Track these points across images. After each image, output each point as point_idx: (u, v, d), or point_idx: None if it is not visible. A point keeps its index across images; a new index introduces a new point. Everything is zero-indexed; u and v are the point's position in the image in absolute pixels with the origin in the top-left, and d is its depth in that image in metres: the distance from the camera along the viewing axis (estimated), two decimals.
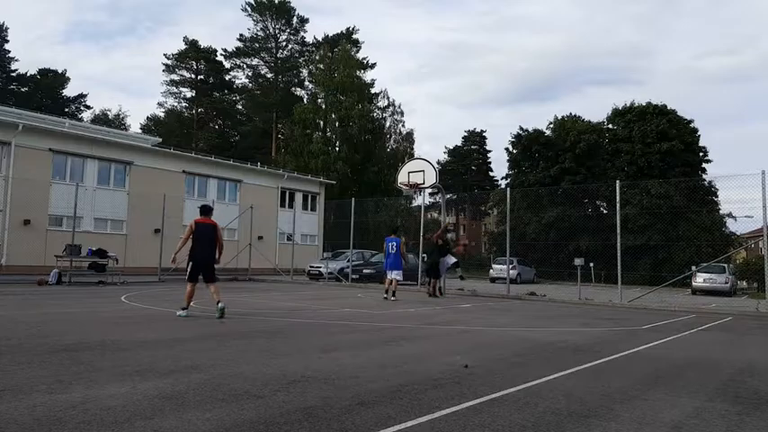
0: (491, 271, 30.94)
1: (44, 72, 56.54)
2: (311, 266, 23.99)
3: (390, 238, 14.48)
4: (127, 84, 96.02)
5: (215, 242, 8.83)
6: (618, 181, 16.11)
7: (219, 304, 8.48)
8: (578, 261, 16.67)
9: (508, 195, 21.64)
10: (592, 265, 26.68)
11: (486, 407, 3.78)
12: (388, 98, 50.37)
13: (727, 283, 23.29)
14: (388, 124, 49.78)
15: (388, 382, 4.42)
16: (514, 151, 42.76)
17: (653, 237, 31.16)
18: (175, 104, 60.93)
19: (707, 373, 5.41)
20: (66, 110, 54.20)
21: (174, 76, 59.09)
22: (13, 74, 55.16)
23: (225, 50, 58.95)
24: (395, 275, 13.90)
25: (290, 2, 57.03)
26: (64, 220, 21.74)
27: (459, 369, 5.02)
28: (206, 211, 9.06)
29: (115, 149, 24.97)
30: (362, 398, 3.88)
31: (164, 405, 3.53)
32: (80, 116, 56.12)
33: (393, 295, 13.62)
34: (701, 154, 38.90)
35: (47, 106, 47.55)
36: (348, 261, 22.20)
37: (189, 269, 8.75)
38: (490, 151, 69.79)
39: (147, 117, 62.38)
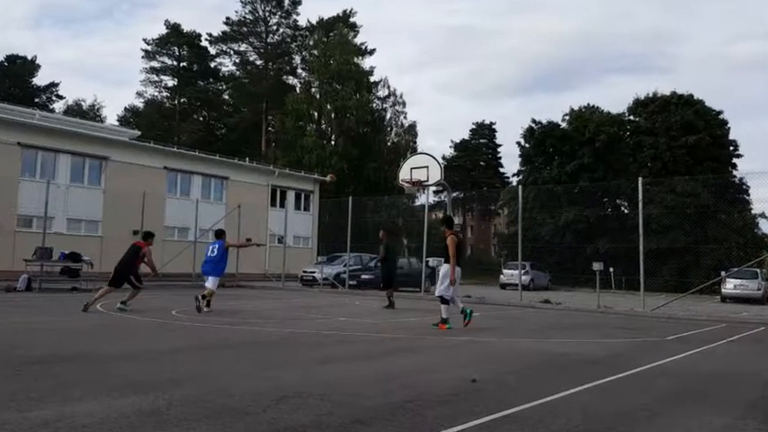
0: (501, 276, 30.91)
1: (12, 59, 56.55)
2: (305, 271, 24.00)
3: (213, 242, 12.43)
4: (102, 72, 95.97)
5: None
6: (640, 178, 16.12)
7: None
8: (597, 266, 16.68)
9: (520, 194, 21.66)
10: (612, 270, 26.71)
11: (497, 425, 3.79)
12: (388, 87, 50.47)
13: (759, 289, 23.26)
14: (388, 116, 49.87)
15: (388, 397, 4.43)
16: (527, 145, 42.74)
17: (678, 239, 31.12)
18: (156, 94, 60.95)
19: (737, 388, 5.42)
20: (37, 100, 54.21)
21: (155, 64, 59.10)
22: None
23: (210, 35, 58.98)
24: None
25: None
26: (34, 220, 21.74)
27: (467, 384, 5.03)
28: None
29: (90, 143, 24.97)
30: (360, 415, 3.89)
31: (143, 423, 3.54)
32: (51, 107, 56.13)
33: (207, 305, 11.17)
34: (731, 148, 38.87)
35: (15, 96, 47.54)
36: (345, 266, 22.22)
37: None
38: (500, 145, 69.71)
39: (125, 108, 62.36)
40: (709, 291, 22.60)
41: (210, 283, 11.51)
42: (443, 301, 9.54)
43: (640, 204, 15.61)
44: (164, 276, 21.34)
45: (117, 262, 11.49)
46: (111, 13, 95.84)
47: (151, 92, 60.69)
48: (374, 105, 48.81)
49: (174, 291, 17.80)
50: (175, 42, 58.35)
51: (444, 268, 9.69)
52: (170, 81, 60.28)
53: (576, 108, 42.17)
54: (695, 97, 38.25)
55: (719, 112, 38.42)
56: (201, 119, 62.65)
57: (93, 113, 60.25)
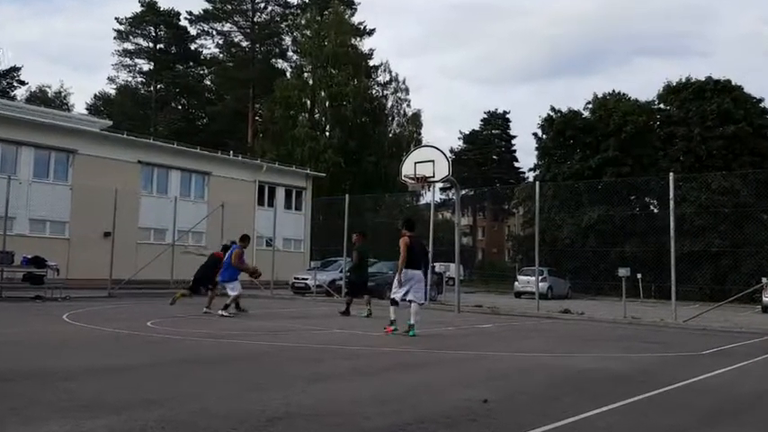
0: (516, 284, 30.96)
1: None
2: (296, 278, 24.03)
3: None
4: (69, 54, 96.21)
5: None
6: (672, 173, 16.13)
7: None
8: (623, 271, 16.69)
9: (537, 191, 21.63)
10: (639, 276, 26.67)
11: None
12: (389, 72, 50.51)
13: None
14: (389, 104, 49.90)
15: (389, 419, 4.44)
16: (545, 137, 42.76)
17: (714, 241, 31.12)
18: (129, 80, 61.11)
19: None
20: None
21: (128, 45, 59.26)
22: None
23: (190, 14, 59.08)
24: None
25: None
26: None
27: (477, 404, 5.04)
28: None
29: (55, 135, 25.00)
30: None
31: None
32: (12, 94, 56.20)
33: (224, 308, 13.06)
34: None
35: None
36: (341, 271, 22.21)
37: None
38: (515, 137, 69.96)
39: (95, 95, 62.64)
40: (748, 299, 22.57)
41: (229, 290, 13.33)
42: (392, 302, 10.57)
43: (671, 203, 15.61)
44: (138, 283, 21.39)
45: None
46: None
47: (124, 77, 60.90)
48: (374, 92, 48.86)
49: (150, 299, 17.82)
50: (151, 22, 58.44)
51: (407, 274, 10.53)
52: (145, 65, 60.44)
53: (599, 95, 42.17)
54: (733, 83, 38.28)
55: (760, 100, 38.45)
56: (180, 107, 62.70)
57: (59, 101, 60.38)
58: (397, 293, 10.44)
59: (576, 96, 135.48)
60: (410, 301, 10.30)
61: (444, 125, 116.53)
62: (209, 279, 13.94)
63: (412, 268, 10.59)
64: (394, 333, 10.15)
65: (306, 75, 49.37)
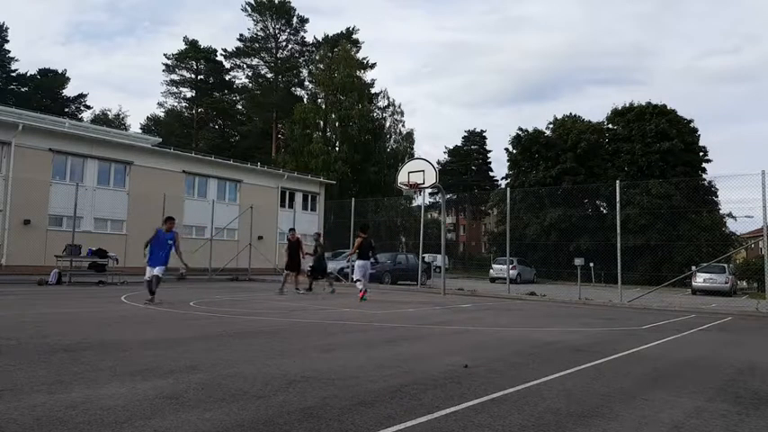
0: (491, 271, 30.94)
1: (44, 72, 56.53)
2: (311, 267, 23.97)
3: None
4: (127, 84, 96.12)
5: None
6: (618, 181, 16.11)
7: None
8: (578, 261, 16.69)
9: (508, 195, 21.65)
10: (592, 265, 26.68)
11: (487, 407, 3.78)
12: (388, 98, 50.45)
13: (726, 283, 23.28)
14: (388, 124, 49.81)
15: (388, 381, 4.42)
16: (514, 151, 42.73)
17: (653, 237, 31.14)
18: (175, 104, 61.04)
19: (707, 373, 5.41)
20: (67, 110, 54.19)
21: (174, 76, 59.18)
22: (14, 74, 55.14)
23: (225, 50, 59.02)
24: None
25: (290, 2, 57.04)
26: (64, 220, 21.74)
27: (459, 369, 5.02)
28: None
29: (115, 149, 24.97)
30: (362, 398, 3.88)
31: (164, 405, 3.53)
32: (80, 116, 56.13)
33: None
34: (701, 154, 38.91)
35: (47, 106, 47.54)
36: (348, 261, 22.18)
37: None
38: (490, 151, 69.93)
39: (147, 117, 62.54)
40: (680, 284, 22.60)
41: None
42: (356, 281, 13.56)
43: (618, 205, 15.61)
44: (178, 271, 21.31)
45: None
46: (133, 30, 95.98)
47: (171, 102, 60.88)
48: (375, 115, 48.75)
49: (192, 284, 17.80)
50: (193, 57, 58.35)
51: (357, 263, 13.49)
52: (188, 92, 60.40)
53: (559, 117, 42.25)
54: (668, 107, 38.32)
55: (690, 121, 38.51)
56: (217, 127, 62.64)
57: (118, 122, 60.33)
58: (358, 277, 13.42)
59: (539, 118, 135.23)
60: (358, 280, 13.33)
61: (433, 141, 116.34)
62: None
63: (363, 259, 13.25)
64: (364, 298, 12.86)
65: (319, 100, 49.32)
